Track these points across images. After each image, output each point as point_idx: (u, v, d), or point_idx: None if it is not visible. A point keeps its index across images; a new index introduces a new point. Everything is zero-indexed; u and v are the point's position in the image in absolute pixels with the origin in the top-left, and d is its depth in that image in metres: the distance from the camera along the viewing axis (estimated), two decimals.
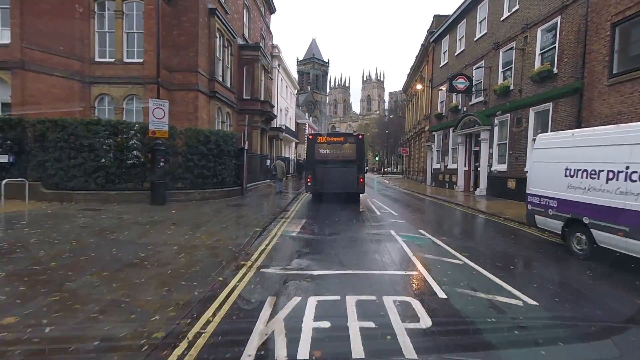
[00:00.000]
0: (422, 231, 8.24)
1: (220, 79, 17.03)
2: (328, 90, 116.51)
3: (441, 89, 22.86)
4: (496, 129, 16.05)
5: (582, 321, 3.75)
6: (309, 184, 13.58)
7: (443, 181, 22.04)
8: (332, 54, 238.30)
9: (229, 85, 18.26)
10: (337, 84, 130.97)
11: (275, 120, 30.96)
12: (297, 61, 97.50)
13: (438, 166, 23.18)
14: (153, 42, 13.37)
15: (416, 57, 31.87)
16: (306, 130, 61.27)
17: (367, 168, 39.00)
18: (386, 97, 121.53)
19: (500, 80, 15.81)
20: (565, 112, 11.72)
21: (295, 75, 41.92)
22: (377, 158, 63.95)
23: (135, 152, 11.00)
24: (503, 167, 15.33)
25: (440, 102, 23.32)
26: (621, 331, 3.55)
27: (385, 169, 61.53)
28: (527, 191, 7.82)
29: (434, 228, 8.99)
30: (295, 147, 58.92)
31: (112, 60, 13.85)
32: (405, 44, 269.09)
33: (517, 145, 14.35)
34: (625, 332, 3.56)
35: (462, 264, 5.62)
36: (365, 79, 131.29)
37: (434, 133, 23.95)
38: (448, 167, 21.37)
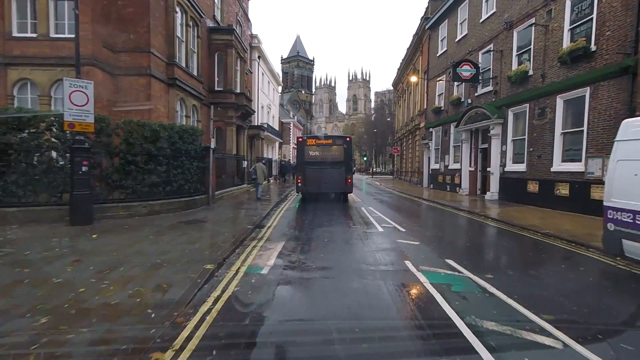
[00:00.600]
0: (450, 262, 5.67)
1: (183, 64, 14.15)
2: (314, 89, 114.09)
3: (439, 81, 20.54)
4: (510, 122, 13.73)
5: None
6: (300, 184, 13.96)
7: (443, 183, 19.69)
8: (318, 54, 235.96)
9: (195, 73, 15.38)
10: (322, 83, 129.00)
11: (255, 117, 28.16)
12: (281, 59, 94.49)
13: (437, 166, 20.84)
14: (89, 12, 10.46)
15: (408, 49, 29.61)
16: (291, 130, 58.57)
17: (354, 169, 37.76)
18: (372, 97, 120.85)
19: (514, 66, 13.50)
20: (609, 98, 9.41)
21: (279, 72, 39.11)
22: (365, 158, 61.63)
23: (50, 152, 8.06)
24: (520, 167, 13.01)
25: (439, 95, 21.00)
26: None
27: (375, 170, 59.29)
28: (606, 203, 5.34)
29: (465, 254, 6.44)
30: (280, 147, 56.11)
31: (34, 35, 10.81)
32: (391, 44, 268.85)
33: (539, 140, 12.03)
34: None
35: (562, 349, 3.05)
36: (351, 78, 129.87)
37: (431, 130, 21.61)
38: (449, 168, 19.03)
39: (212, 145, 11.34)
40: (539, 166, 12.03)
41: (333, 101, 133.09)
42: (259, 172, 15.33)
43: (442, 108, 20.17)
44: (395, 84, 37.86)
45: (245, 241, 7.11)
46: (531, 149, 12.41)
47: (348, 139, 14.49)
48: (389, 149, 74.32)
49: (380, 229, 8.52)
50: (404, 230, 8.43)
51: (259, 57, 29.17)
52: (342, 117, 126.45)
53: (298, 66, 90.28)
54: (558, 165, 11.15)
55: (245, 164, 17.68)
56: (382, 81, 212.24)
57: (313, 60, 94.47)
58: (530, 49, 12.59)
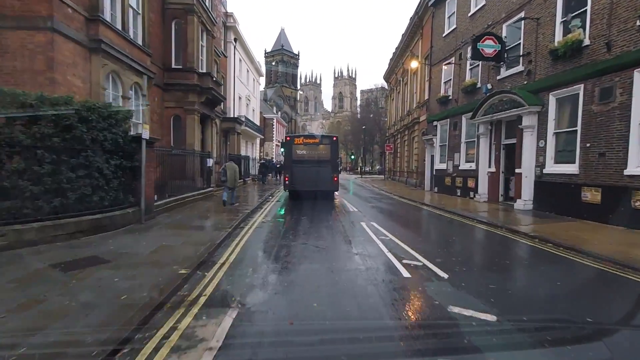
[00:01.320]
0: None
1: (119, 25, 10.33)
2: (299, 86, 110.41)
3: (446, 65, 17.36)
4: (552, 109, 10.59)
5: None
6: (287, 182, 14.23)
7: (452, 187, 16.51)
8: (303, 50, 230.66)
9: (140, 41, 11.57)
10: (307, 80, 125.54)
11: (231, 109, 24.38)
12: (265, 53, 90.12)
13: (443, 166, 17.66)
14: None
15: (403, 35, 26.41)
16: (274, 126, 54.69)
17: (340, 168, 35.35)
18: (358, 95, 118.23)
19: (558, 36, 10.36)
20: None
21: (261, 63, 35.30)
22: (352, 157, 58.46)
23: None
24: (569, 168, 9.87)
25: (445, 83, 17.82)
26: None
27: (364, 169, 56.17)
28: None
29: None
30: (262, 144, 52.19)
31: None
32: (377, 42, 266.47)
33: (601, 133, 8.89)
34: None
35: None
36: (336, 75, 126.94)
37: (435, 123, 18.42)
38: (460, 168, 15.85)
39: (145, 134, 7.64)
40: (601, 168, 8.89)
41: (318, 99, 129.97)
42: (230, 174, 11.80)
43: (450, 97, 16.99)
44: (388, 76, 34.68)
45: (156, 316, 3.55)
46: (588, 145, 9.26)
47: (335, 138, 14.73)
48: (377, 147, 71.67)
49: (405, 272, 5.09)
50: (445, 275, 5.00)
51: (235, 40, 25.36)
52: (327, 115, 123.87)
53: (282, 60, 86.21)
54: (636, 167, 8.02)
55: (210, 162, 13.93)
56: (368, 79, 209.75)
57: (298, 55, 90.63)
58: (585, 10, 9.43)
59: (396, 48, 29.76)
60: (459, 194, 15.81)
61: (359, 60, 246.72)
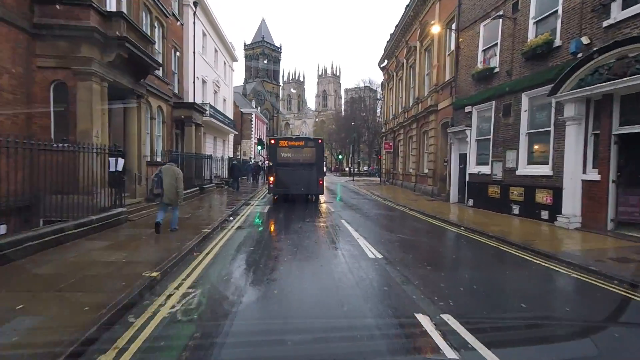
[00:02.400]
0: None
1: None
2: (282, 82, 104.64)
3: (487, 24, 12.09)
4: None
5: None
6: (272, 186, 13.74)
7: (502, 201, 11.19)
8: (286, 45, 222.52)
9: None
10: (290, 78, 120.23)
11: (189, 92, 18.41)
12: (245, 46, 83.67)
13: (483, 170, 12.33)
14: None
15: (407, 6, 21.11)
16: (253, 122, 48.54)
17: (325, 170, 31.48)
18: (342, 93, 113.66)
19: None
20: None
21: (232, 44, 29.34)
22: (340, 157, 53.03)
23: None
24: None
25: (485, 50, 12.53)
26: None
27: (353, 169, 50.82)
28: None
29: None
30: (239, 143, 46.08)
31: None
32: (362, 39, 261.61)
33: None
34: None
35: None
36: (320, 73, 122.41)
37: (469, 109, 13.08)
38: (519, 173, 10.53)
39: None
40: None
41: (302, 97, 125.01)
42: (167, 182, 6.56)
43: (497, 69, 11.69)
44: (385, 61, 29.37)
45: None
46: None
47: (320, 140, 14.49)
48: (363, 146, 66.24)
49: None
50: None
51: (195, 4, 19.37)
52: (311, 114, 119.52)
53: (263, 53, 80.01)
54: None
55: (117, 164, 7.86)
56: (353, 78, 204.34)
57: (280, 48, 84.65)
58: None
59: (395, 27, 24.49)
60: (516, 212, 10.50)
61: (343, 58, 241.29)
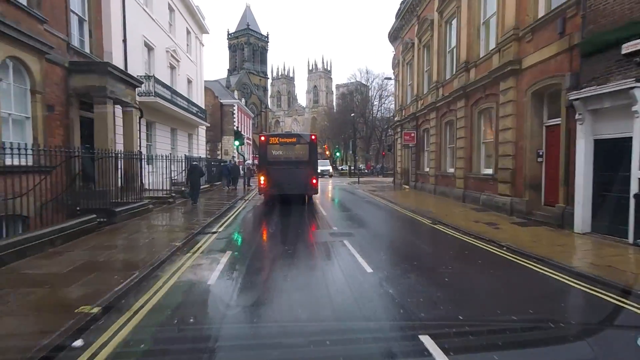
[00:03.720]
0: None
1: None
2: (271, 78, 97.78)
3: None
4: None
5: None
6: (263, 186, 13.10)
7: None
8: (273, 38, 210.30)
9: None
10: (280, 74, 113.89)
11: (119, 58, 11.45)
12: (228, 34, 76.35)
13: None
14: None
15: None
16: (235, 115, 41.10)
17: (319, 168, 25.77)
18: (334, 89, 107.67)
19: None
20: None
21: (203, 14, 22.42)
22: (338, 153, 46.39)
23: None
24: None
25: None
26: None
27: (353, 168, 44.09)
28: None
29: None
30: (219, 140, 38.97)
31: None
32: (352, 33, 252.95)
33: None
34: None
35: None
36: (310, 68, 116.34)
37: (634, 47, 6.43)
38: None
39: None
40: None
41: (292, 93, 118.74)
42: None
43: None
44: (398, 30, 22.68)
45: None
46: None
47: (313, 137, 14.00)
48: (360, 141, 59.04)
49: None
50: None
51: None
52: (302, 111, 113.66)
53: (249, 42, 72.73)
54: None
55: None
56: (345, 73, 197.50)
57: (267, 37, 77.45)
58: None
59: None
60: None
61: (334, 52, 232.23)
